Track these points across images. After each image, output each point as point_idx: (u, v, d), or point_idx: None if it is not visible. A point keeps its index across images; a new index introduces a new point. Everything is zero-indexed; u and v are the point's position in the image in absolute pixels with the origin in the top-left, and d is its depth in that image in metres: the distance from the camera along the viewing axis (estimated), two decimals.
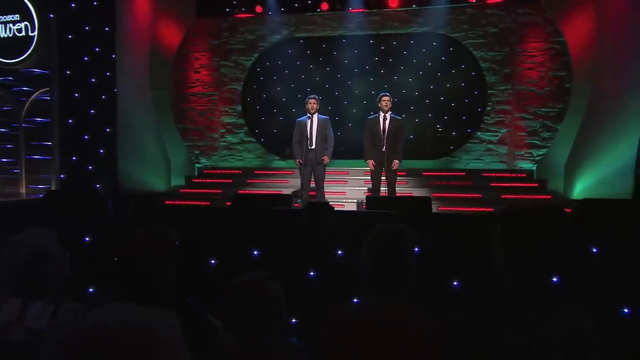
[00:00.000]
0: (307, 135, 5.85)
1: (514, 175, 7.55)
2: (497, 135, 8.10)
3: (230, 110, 8.87)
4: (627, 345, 2.70)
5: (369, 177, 7.41)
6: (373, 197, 5.02)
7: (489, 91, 8.08)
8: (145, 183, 6.97)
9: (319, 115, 5.96)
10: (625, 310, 2.85)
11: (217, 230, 3.89)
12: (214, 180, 7.92)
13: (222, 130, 8.89)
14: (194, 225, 3.97)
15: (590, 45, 6.89)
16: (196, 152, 8.90)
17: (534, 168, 7.77)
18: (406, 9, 8.29)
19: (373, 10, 8.35)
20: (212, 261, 3.69)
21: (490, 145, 8.13)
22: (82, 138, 6.51)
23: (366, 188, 7.18)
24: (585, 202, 4.31)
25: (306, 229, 3.96)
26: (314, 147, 5.86)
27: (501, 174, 7.56)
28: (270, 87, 8.75)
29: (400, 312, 1.47)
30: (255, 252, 3.70)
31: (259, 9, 8.47)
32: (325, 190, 6.07)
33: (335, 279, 3.36)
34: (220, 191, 7.33)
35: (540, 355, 1.29)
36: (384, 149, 5.54)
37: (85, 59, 6.63)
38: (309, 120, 5.89)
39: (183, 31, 8.42)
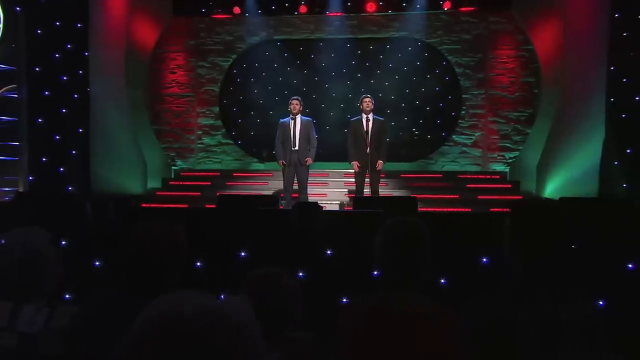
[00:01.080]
0: (290, 136, 5.78)
1: (488, 176, 7.73)
2: (471, 139, 8.28)
3: (207, 112, 8.66)
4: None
5: (349, 179, 7.45)
6: (360, 197, 4.99)
7: (463, 95, 8.25)
8: (119, 185, 6.67)
9: (302, 117, 5.90)
10: (601, 303, 2.97)
11: (202, 232, 3.76)
12: (192, 183, 7.70)
13: (199, 132, 8.66)
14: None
15: (557, 53, 7.16)
16: (172, 154, 8.62)
17: (507, 170, 7.99)
18: (383, 14, 8.37)
19: (351, 14, 8.37)
20: (198, 263, 3.56)
21: (465, 148, 8.30)
22: (53, 138, 6.15)
23: (347, 190, 7.17)
24: (563, 201, 4.47)
25: (295, 229, 3.89)
26: (297, 148, 5.79)
27: (476, 176, 7.74)
28: (248, 89, 8.62)
29: (416, 304, 1.47)
30: (243, 254, 3.60)
31: (236, 9, 8.34)
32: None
33: (325, 279, 3.30)
34: (199, 194, 7.12)
35: (552, 340, 1.30)
36: (368, 150, 5.53)
37: (56, 55, 6.28)
38: (292, 122, 5.82)
39: (159, 30, 8.17)
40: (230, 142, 8.65)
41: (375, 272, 3.55)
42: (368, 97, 5.75)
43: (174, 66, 8.58)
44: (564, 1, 6.84)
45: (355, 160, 5.65)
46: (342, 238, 3.66)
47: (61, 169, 6.18)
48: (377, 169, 5.62)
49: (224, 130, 8.65)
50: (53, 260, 1.67)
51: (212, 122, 8.67)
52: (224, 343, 0.58)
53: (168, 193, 7.33)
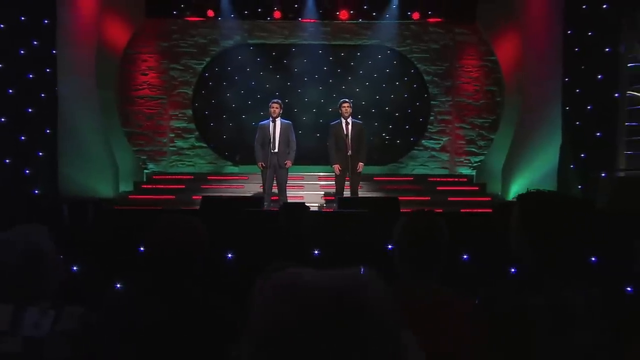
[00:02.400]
0: (270, 138, 5.70)
1: (457, 179, 7.95)
2: (439, 143, 8.49)
3: (180, 115, 8.39)
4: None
5: (324, 182, 7.44)
6: (344, 198, 4.98)
7: (431, 102, 8.46)
8: (90, 188, 6.30)
9: (282, 120, 5.83)
10: None
11: None
12: (165, 186, 7.40)
13: (171, 135, 8.36)
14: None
15: (518, 64, 7.51)
16: (143, 157, 8.27)
17: (474, 173, 8.25)
18: (354, 22, 8.46)
19: (325, 21, 8.40)
20: None
21: (433, 152, 8.50)
22: (18, 139, 5.73)
23: (323, 192, 7.15)
24: None
25: (282, 230, 3.83)
26: (276, 150, 5.71)
27: (445, 179, 7.94)
28: (221, 92, 8.44)
29: (434, 293, 1.48)
30: (229, 255, 3.50)
31: (210, 13, 8.17)
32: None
33: None
34: (174, 197, 6.85)
35: (565, 325, 1.34)
36: (349, 153, 5.54)
37: (21, 52, 5.87)
38: (272, 124, 5.74)
39: (131, 31, 7.84)
40: (204, 145, 8.42)
41: (362, 271, 3.55)
42: (347, 101, 5.78)
43: (145, 68, 8.26)
44: (523, 17, 7.20)
45: (337, 163, 5.65)
46: (329, 238, 3.63)
47: (27, 171, 5.76)
48: (358, 171, 5.64)
49: (197, 133, 8.41)
50: (53, 258, 1.56)
51: (185, 125, 8.41)
52: (368, 312, 0.55)
53: (141, 196, 7.01)
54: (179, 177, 7.81)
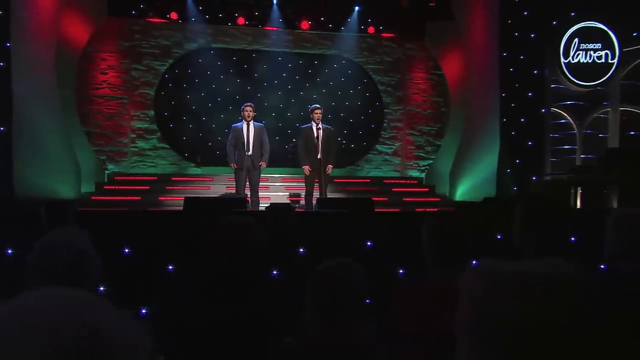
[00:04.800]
0: (244, 141, 5.60)
1: (409, 182, 8.32)
2: (392, 148, 8.84)
3: (141, 115, 7.94)
4: None
5: (288, 184, 7.45)
6: (324, 199, 5.05)
7: (385, 110, 8.79)
8: (49, 189, 5.76)
9: (255, 123, 5.76)
10: None
11: (172, 235, 3.51)
12: (128, 187, 6.97)
13: (132, 136, 7.89)
14: (146, 231, 3.51)
15: (462, 78, 8.04)
16: (102, 157, 7.71)
17: (422, 176, 8.68)
18: (314, 32, 8.56)
19: (287, 30, 8.41)
20: (170, 267, 3.32)
21: (386, 157, 8.82)
22: None
23: (288, 193, 7.15)
24: (487, 200, 5.05)
25: (268, 230, 3.81)
26: (250, 153, 5.64)
27: (399, 181, 8.27)
28: (184, 94, 8.13)
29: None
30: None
31: (174, 15, 7.85)
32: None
33: (298, 277, 3.29)
34: (139, 198, 6.48)
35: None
36: (319, 156, 5.61)
37: None
38: (246, 127, 5.66)
39: (91, 29, 7.29)
40: (166, 146, 8.04)
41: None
42: (318, 107, 5.86)
43: (105, 67, 7.73)
44: (467, 38, 7.73)
45: (307, 165, 5.69)
46: (314, 237, 3.68)
47: None
48: (327, 172, 5.73)
49: (159, 134, 8.01)
50: (97, 261, 1.50)
51: (146, 125, 7.98)
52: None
53: (104, 197, 6.54)
54: (142, 178, 7.39)
